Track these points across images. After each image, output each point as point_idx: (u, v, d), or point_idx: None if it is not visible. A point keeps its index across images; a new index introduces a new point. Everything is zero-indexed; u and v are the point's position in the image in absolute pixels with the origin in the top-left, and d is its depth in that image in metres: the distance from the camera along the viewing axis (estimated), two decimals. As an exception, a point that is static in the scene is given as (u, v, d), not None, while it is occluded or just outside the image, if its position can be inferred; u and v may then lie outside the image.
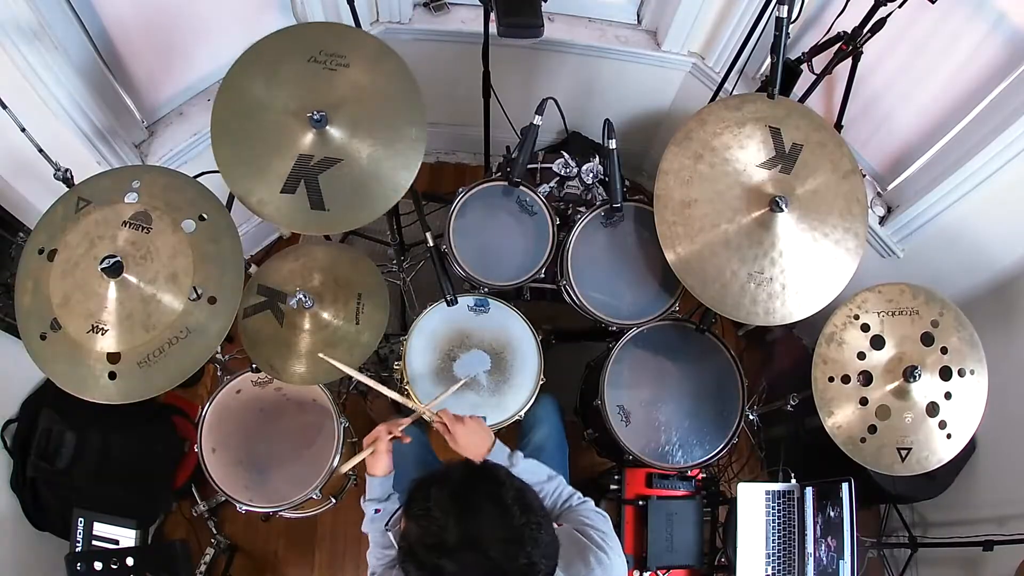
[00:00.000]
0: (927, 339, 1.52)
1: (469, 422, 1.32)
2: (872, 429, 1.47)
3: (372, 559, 1.31)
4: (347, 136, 1.38)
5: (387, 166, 1.38)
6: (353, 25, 1.73)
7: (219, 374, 1.80)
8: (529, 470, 1.30)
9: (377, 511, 1.30)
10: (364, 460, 1.33)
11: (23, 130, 1.32)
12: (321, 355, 1.48)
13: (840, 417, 1.48)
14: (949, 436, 1.51)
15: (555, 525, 0.96)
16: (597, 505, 1.29)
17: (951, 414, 1.51)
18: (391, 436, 1.31)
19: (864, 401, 1.48)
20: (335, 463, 1.66)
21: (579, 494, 1.29)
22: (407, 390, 1.67)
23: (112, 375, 1.24)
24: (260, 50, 1.42)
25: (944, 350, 1.52)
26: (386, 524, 1.28)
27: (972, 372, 1.53)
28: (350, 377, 1.44)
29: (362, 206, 1.37)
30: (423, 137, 1.40)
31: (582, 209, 1.84)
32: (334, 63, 1.40)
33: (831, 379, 1.48)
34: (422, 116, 1.41)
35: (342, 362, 1.44)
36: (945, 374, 1.51)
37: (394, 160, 1.38)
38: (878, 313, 1.52)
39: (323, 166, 1.36)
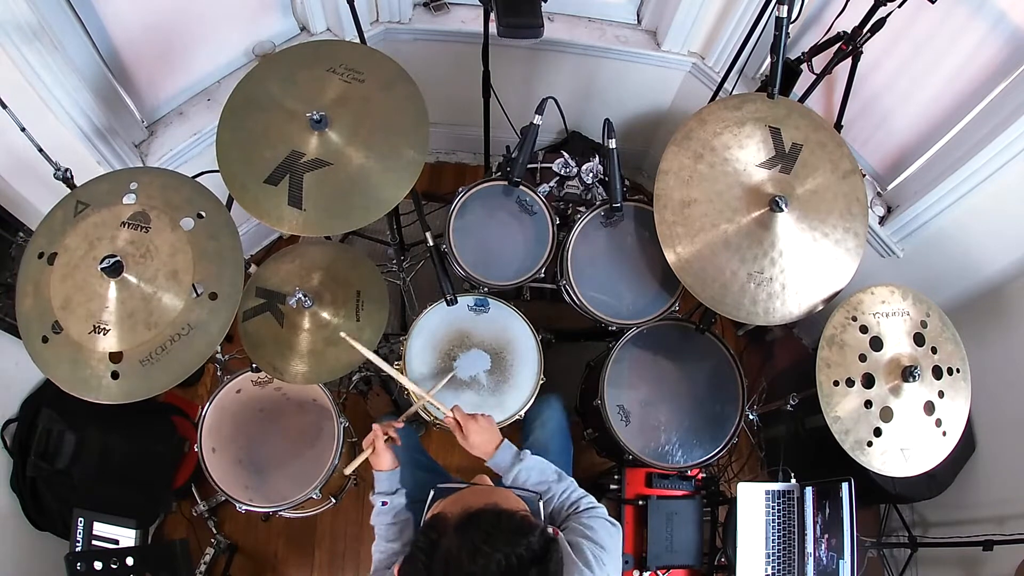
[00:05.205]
0: (919, 339, 1.53)
1: (480, 419, 1.33)
2: (877, 432, 1.47)
3: (376, 552, 1.31)
4: (343, 142, 1.38)
5: (375, 181, 1.38)
6: (355, 27, 1.75)
7: (219, 374, 1.80)
8: (537, 468, 1.28)
9: (384, 504, 1.32)
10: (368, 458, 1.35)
11: (23, 130, 1.32)
12: (343, 334, 1.50)
13: (847, 422, 1.47)
14: (944, 434, 1.51)
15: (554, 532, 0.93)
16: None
17: (945, 412, 1.51)
18: (385, 437, 1.33)
19: (868, 404, 1.48)
20: (335, 463, 1.66)
21: (590, 497, 1.26)
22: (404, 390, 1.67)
23: (115, 375, 1.24)
24: (287, 54, 1.52)
25: (934, 350, 1.53)
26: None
27: (958, 370, 1.55)
28: (350, 376, 1.44)
29: (338, 214, 1.37)
30: (419, 163, 1.40)
31: (582, 209, 1.84)
32: (350, 76, 1.43)
33: (836, 383, 1.47)
34: (424, 144, 1.42)
35: (355, 352, 1.47)
36: (937, 373, 1.52)
37: (383, 177, 1.39)
38: (874, 315, 1.52)
39: (312, 166, 1.36)
